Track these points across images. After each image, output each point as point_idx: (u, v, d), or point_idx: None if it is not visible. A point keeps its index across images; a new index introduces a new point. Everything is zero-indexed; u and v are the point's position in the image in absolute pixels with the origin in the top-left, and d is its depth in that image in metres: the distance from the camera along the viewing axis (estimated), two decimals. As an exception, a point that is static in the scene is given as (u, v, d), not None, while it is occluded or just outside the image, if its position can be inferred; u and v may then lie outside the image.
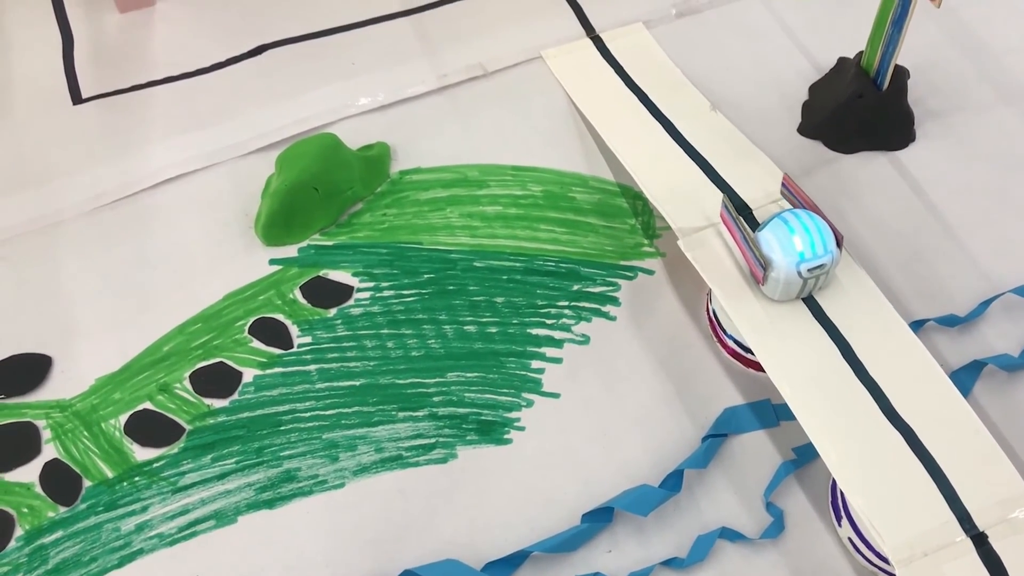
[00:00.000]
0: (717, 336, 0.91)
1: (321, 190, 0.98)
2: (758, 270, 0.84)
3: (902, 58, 0.99)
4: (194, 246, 0.98)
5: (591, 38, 1.16)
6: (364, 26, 1.17)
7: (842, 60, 1.10)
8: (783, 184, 0.90)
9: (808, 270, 0.81)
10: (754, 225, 0.88)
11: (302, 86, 1.11)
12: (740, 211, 0.92)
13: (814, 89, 1.10)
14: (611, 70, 1.12)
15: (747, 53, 1.14)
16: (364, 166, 1.01)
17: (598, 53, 1.14)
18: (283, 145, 1.04)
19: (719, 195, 0.95)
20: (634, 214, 1.01)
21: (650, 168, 1.00)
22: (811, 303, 0.85)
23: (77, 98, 1.10)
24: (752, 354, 0.86)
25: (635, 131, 1.04)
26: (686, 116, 1.05)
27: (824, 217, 0.83)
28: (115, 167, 1.04)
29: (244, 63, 1.14)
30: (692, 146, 1.01)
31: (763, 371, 0.84)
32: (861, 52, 1.04)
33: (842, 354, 0.83)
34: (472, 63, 1.13)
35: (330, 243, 0.99)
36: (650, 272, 0.96)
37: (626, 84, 1.11)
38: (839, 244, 0.83)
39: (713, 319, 0.91)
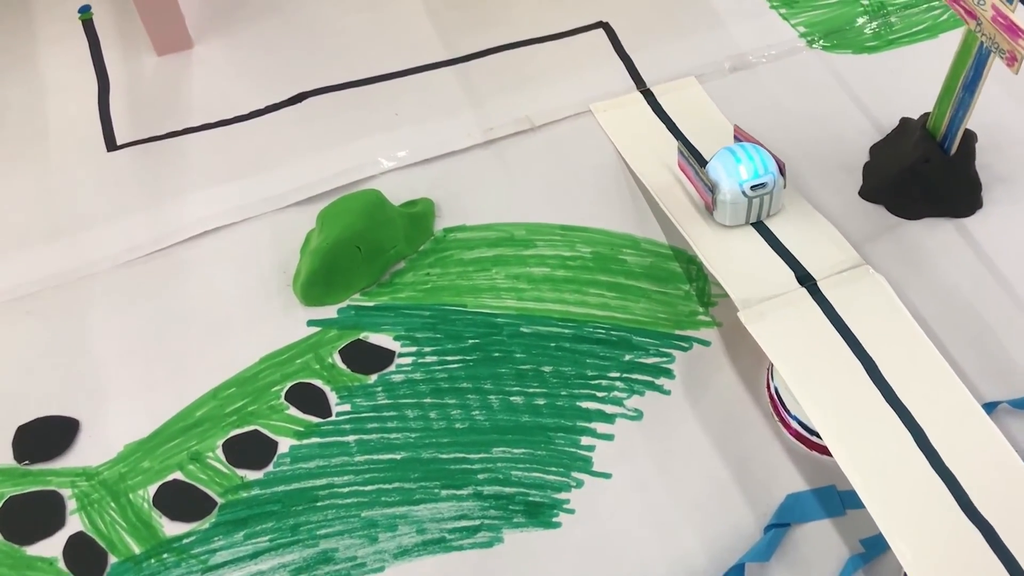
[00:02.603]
0: (779, 415, 0.86)
1: (364, 249, 0.94)
2: (707, 196, 0.93)
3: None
4: (230, 303, 0.95)
5: (641, 92, 1.12)
6: (408, 75, 1.14)
7: (905, 121, 1.05)
8: (735, 135, 0.98)
9: (751, 188, 0.90)
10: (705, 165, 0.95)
11: (343, 137, 1.07)
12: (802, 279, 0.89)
13: (876, 151, 1.05)
14: (662, 125, 1.08)
15: (804, 110, 1.10)
16: (408, 223, 0.98)
17: (648, 107, 1.10)
18: (323, 199, 1.01)
19: (781, 265, 0.91)
20: (688, 279, 0.96)
21: (705, 232, 0.95)
22: (869, 366, 0.82)
23: (112, 144, 1.07)
24: (818, 437, 0.81)
25: (687, 191, 1.00)
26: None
27: (769, 150, 0.92)
28: (149, 218, 1.01)
29: (284, 111, 1.10)
30: (751, 211, 0.97)
31: (829, 455, 0.80)
32: (926, 114, 1.00)
33: (917, 443, 0.78)
34: (519, 116, 1.09)
35: (371, 304, 0.95)
36: (706, 343, 0.92)
37: (677, 140, 1.07)
38: (782, 172, 0.92)
39: (775, 397, 0.86)
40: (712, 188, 0.91)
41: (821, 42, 1.17)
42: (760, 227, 0.95)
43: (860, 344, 0.84)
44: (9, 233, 1.00)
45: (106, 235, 1.00)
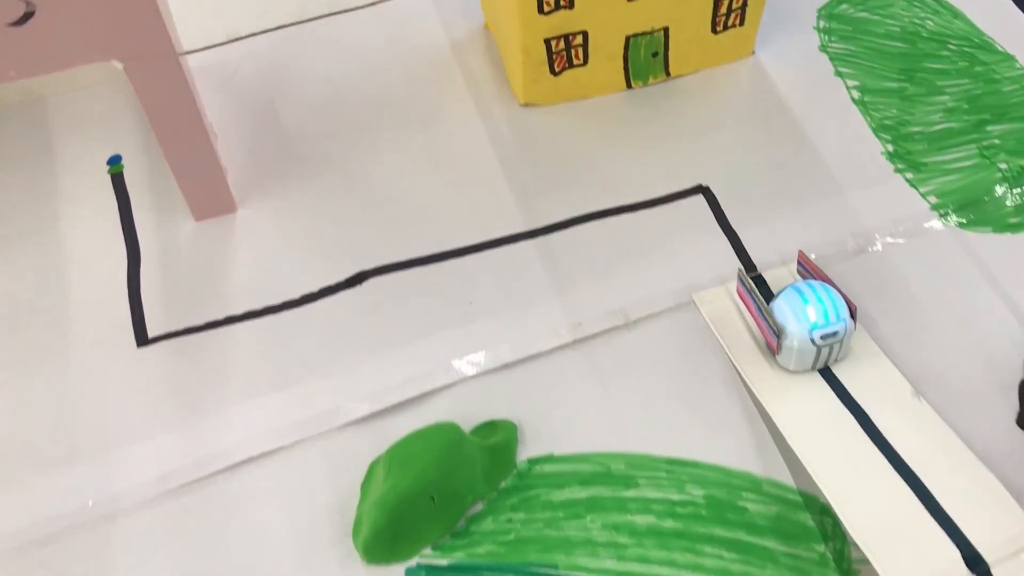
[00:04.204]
0: None
1: (438, 498, 0.79)
2: (772, 339, 0.86)
3: None
4: (277, 556, 0.80)
5: (752, 278, 0.96)
6: (482, 250, 0.99)
7: (1069, 332, 0.90)
8: (799, 261, 0.92)
9: (821, 337, 0.83)
10: (769, 297, 0.89)
11: (411, 331, 0.92)
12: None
13: (1034, 367, 0.90)
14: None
15: (942, 307, 0.94)
16: (487, 458, 0.83)
17: (761, 298, 0.95)
18: (386, 416, 0.86)
19: (943, 538, 0.75)
20: (823, 537, 0.81)
21: (843, 481, 0.80)
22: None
23: (142, 338, 0.92)
24: None
25: (817, 419, 0.85)
26: (883, 404, 0.86)
27: (839, 289, 0.86)
28: (183, 438, 0.86)
29: (341, 295, 0.96)
30: (896, 451, 0.82)
31: None
32: (1099, 330, 0.84)
33: None
34: (612, 308, 0.94)
35: (444, 562, 0.79)
36: (850, 631, 0.76)
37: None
38: (853, 315, 0.85)
39: None
40: (778, 332, 0.85)
41: (955, 216, 1.01)
42: (908, 474, 0.80)
43: (1049, 658, 0.69)
44: (20, 455, 0.85)
45: (133, 459, 0.85)
